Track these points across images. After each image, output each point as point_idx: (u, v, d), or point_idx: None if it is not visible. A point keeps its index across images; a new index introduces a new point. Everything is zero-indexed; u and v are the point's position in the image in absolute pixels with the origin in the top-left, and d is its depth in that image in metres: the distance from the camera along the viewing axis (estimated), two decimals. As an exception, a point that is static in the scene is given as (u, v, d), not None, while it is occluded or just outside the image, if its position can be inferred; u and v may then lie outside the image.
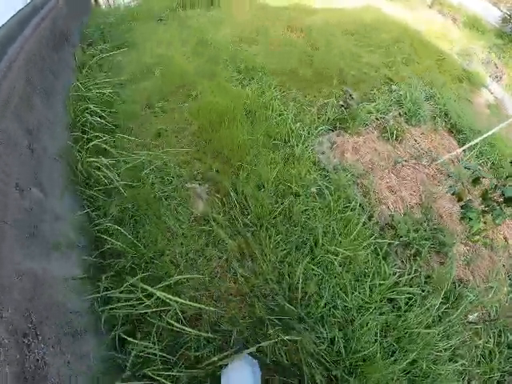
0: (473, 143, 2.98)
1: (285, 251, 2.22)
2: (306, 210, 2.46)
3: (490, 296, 2.49)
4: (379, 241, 2.41)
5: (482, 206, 2.23)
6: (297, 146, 2.74)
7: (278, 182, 2.54)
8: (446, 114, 3.79)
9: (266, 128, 2.77)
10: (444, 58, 5.01)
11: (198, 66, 3.75)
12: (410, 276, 2.31)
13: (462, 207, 2.44)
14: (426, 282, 2.35)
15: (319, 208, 2.49)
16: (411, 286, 2.25)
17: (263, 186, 2.50)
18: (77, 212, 2.13)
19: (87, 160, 2.28)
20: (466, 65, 5.11)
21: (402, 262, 2.49)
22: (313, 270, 2.09)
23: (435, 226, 2.75)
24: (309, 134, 2.93)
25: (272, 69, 3.72)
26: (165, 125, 2.97)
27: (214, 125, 2.83)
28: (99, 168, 2.22)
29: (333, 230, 2.35)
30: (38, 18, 2.90)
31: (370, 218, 2.62)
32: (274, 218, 2.37)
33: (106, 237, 2.01)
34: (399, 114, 3.53)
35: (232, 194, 2.45)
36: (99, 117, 2.64)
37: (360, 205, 2.62)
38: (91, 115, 2.56)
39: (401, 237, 2.53)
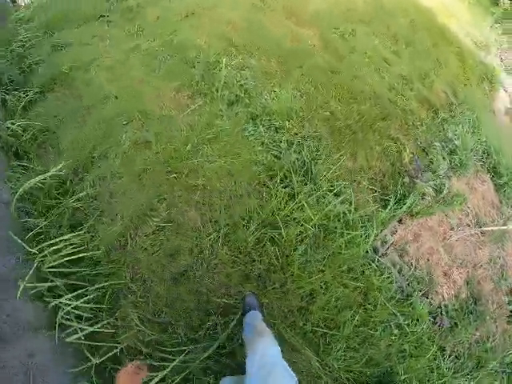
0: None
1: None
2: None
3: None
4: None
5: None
6: (374, 274, 2.05)
7: (356, 330, 1.93)
8: (486, 151, 3.31)
9: (336, 250, 1.96)
10: (463, 50, 4.30)
11: (187, 116, 2.41)
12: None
13: (509, 303, 2.58)
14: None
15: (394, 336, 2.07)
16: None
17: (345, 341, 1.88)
18: None
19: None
20: (483, 57, 4.46)
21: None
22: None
23: (480, 309, 2.57)
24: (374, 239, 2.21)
25: (297, 105, 2.58)
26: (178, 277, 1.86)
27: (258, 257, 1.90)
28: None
29: (405, 353, 2.05)
30: None
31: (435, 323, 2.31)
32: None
33: None
34: (450, 164, 2.92)
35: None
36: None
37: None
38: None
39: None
